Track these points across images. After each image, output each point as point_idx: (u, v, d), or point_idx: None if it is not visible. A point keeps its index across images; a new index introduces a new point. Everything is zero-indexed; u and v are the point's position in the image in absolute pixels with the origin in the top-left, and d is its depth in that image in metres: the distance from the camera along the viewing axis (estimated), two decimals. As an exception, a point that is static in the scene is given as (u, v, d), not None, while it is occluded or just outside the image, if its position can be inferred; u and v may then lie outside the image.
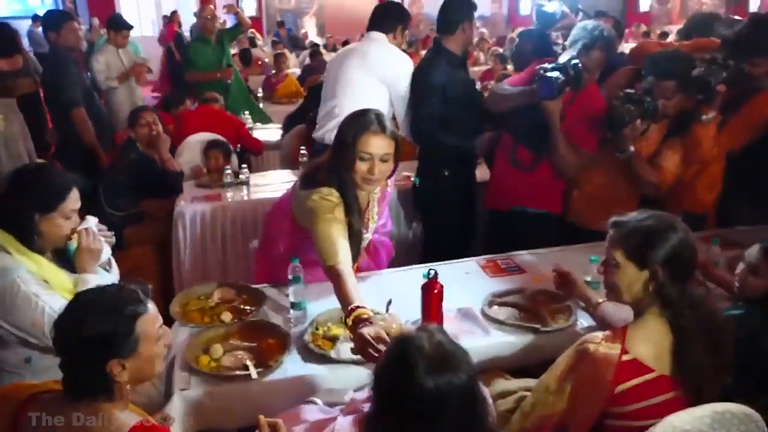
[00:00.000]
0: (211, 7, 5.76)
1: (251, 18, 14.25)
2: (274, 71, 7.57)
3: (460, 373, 1.22)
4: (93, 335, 1.26)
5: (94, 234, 1.93)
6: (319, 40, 12.79)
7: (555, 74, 2.57)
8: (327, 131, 3.18)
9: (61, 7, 11.86)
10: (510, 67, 6.41)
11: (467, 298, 2.23)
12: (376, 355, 1.57)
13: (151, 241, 3.47)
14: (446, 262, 2.55)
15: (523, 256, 2.60)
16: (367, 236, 2.31)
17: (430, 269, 2.00)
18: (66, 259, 1.92)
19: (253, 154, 4.88)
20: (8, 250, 1.79)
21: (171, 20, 10.64)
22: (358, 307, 1.76)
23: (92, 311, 1.28)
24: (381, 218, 2.39)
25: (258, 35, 13.09)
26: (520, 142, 2.88)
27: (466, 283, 2.39)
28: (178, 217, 3.44)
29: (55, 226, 1.85)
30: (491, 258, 2.62)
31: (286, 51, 9.09)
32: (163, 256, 3.48)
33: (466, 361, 1.25)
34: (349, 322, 1.74)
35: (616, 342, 1.52)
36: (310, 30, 14.95)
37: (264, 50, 11.10)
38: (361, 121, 2.08)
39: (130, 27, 5.05)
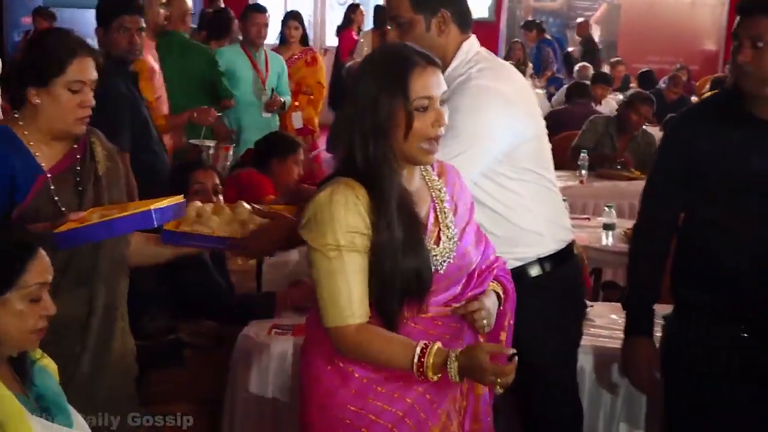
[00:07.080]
0: None
1: (483, 21, 13.52)
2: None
3: None
4: None
5: None
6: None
7: None
8: None
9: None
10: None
11: None
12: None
13: (192, 398, 3.15)
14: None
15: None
16: (444, 252, 2.12)
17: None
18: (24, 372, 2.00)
19: None
20: None
21: (351, 20, 8.83)
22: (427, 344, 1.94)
23: None
24: (461, 222, 2.21)
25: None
26: None
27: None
28: (241, 356, 3.10)
29: (13, 315, 1.92)
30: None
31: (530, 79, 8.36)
32: (212, 424, 3.15)
33: None
34: (453, 370, 1.91)
35: None
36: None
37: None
38: (397, 57, 2.04)
39: None
